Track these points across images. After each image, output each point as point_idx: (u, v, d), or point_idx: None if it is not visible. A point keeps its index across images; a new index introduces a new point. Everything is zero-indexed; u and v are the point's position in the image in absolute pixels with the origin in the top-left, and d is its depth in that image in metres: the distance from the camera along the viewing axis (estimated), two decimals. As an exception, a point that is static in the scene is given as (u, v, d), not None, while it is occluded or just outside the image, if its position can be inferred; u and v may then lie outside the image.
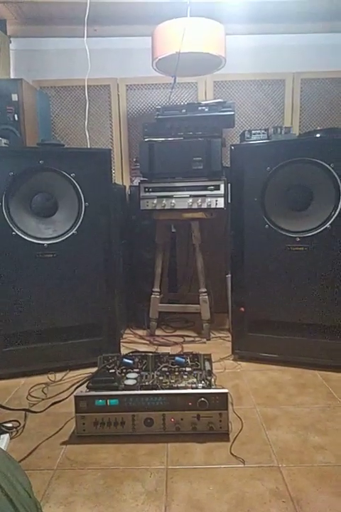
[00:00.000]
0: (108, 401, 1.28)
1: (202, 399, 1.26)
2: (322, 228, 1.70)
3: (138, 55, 2.71)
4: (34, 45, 2.77)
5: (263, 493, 1.04)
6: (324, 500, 1.00)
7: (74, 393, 1.31)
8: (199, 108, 2.18)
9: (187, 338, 2.24)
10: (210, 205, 2.09)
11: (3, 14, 2.62)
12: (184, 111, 2.18)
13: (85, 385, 1.38)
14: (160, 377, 1.43)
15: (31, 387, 1.66)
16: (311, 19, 2.69)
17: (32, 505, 0.61)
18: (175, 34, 2.02)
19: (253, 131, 2.13)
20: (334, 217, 1.68)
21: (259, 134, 2.13)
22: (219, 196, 2.09)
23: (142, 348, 2.07)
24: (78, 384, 1.44)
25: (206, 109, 2.17)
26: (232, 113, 2.18)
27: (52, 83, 2.70)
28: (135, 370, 1.50)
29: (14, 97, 2.28)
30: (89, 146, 2.55)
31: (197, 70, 2.37)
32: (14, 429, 1.35)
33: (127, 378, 1.42)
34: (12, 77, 2.73)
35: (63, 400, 1.46)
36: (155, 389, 1.32)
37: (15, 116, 2.27)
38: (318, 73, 2.67)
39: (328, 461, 1.15)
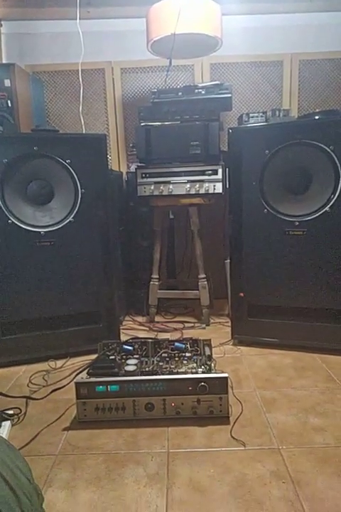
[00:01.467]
0: (108, 387, 1.28)
1: (202, 383, 1.26)
2: (321, 212, 1.69)
3: (133, 38, 2.65)
4: (26, 28, 2.70)
5: (263, 475, 1.05)
6: (324, 481, 1.02)
7: (75, 380, 1.31)
8: (196, 91, 2.14)
9: (186, 324, 2.24)
10: (208, 190, 2.07)
11: (-6, -4, 2.54)
12: (180, 94, 2.14)
13: (86, 371, 1.39)
14: (160, 363, 1.44)
15: (32, 375, 1.66)
16: (310, -3, 2.63)
17: (32, 491, 0.61)
18: (170, 15, 1.96)
19: (251, 114, 2.10)
20: (333, 200, 1.66)
21: (257, 116, 2.10)
22: (217, 181, 2.07)
23: (142, 335, 2.07)
24: (78, 371, 1.44)
25: (203, 92, 2.14)
26: (229, 95, 2.14)
27: (45, 68, 2.64)
28: (135, 356, 1.50)
29: (7, 83, 2.23)
30: (84, 132, 2.51)
31: (193, 52, 2.32)
32: (15, 416, 1.35)
33: (127, 364, 1.43)
34: (4, 61, 2.67)
35: (64, 386, 1.47)
36: (156, 374, 1.33)
37: (8, 102, 2.22)
38: (317, 54, 2.62)
39: (328, 443, 1.17)
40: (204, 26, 2.01)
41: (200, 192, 2.08)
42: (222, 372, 1.31)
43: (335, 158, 1.64)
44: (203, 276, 2.19)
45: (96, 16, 2.67)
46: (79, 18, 2.29)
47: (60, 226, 1.76)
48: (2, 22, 2.69)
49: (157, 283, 2.26)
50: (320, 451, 1.13)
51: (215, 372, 1.33)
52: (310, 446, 1.16)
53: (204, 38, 2.07)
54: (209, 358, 1.45)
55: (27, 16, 2.69)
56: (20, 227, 1.71)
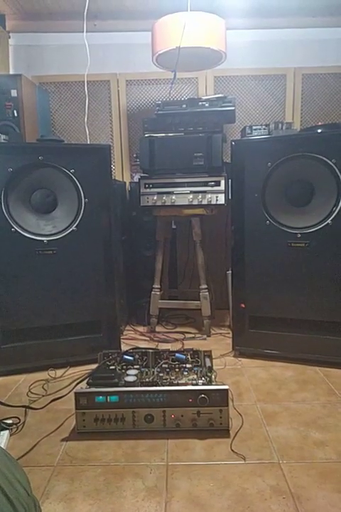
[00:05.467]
0: (108, 397, 1.27)
1: (203, 395, 1.26)
2: (323, 224, 1.69)
3: (138, 50, 2.69)
4: (33, 40, 2.75)
5: (263, 490, 1.03)
6: (324, 497, 1.00)
7: (75, 390, 1.30)
8: (200, 103, 2.17)
9: (187, 335, 2.23)
10: (211, 201, 2.08)
11: (2, 9, 2.60)
12: (184, 106, 2.17)
13: (85, 381, 1.38)
14: (161, 374, 1.43)
15: (31, 384, 1.66)
16: (313, 13, 2.67)
17: (30, 502, 0.61)
18: (176, 29, 2.00)
19: (254, 127, 2.12)
20: (335, 213, 1.67)
21: (260, 129, 2.11)
22: (220, 192, 2.08)
23: (142, 345, 2.06)
24: (78, 380, 1.44)
25: (206, 105, 2.16)
26: (233, 108, 2.16)
27: (51, 79, 2.69)
28: (135, 366, 1.49)
29: (13, 93, 2.27)
30: (89, 142, 2.54)
31: (198, 65, 2.35)
32: (14, 426, 1.35)
33: (127, 375, 1.42)
34: (11, 72, 2.72)
35: (63, 396, 1.46)
36: (156, 385, 1.32)
37: (15, 112, 2.26)
38: (320, 68, 2.65)
39: (329, 458, 1.15)
40: (209, 40, 2.04)
41: (203, 203, 2.09)
42: (223, 384, 1.30)
43: (337, 171, 1.64)
44: (205, 286, 2.19)
45: (103, 29, 2.72)
46: (86, 31, 2.33)
47: (63, 235, 1.77)
48: (10, 34, 2.74)
49: (158, 293, 2.26)
50: (321, 466, 1.12)
51: (216, 384, 1.32)
52: (310, 460, 1.14)
53: (209, 51, 2.10)
54: (210, 369, 1.44)
55: (34, 28, 2.74)
56: (24, 235, 1.72)
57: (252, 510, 0.97)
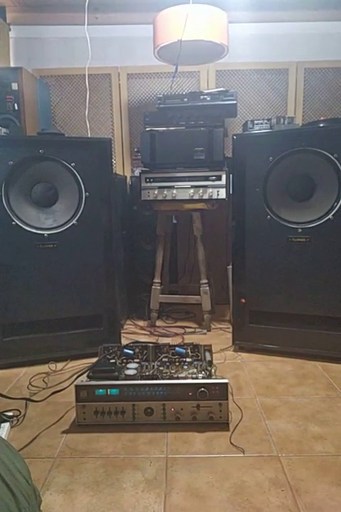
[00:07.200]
0: (108, 390, 1.28)
1: (202, 389, 1.26)
2: (324, 219, 1.69)
3: (140, 44, 2.67)
4: (34, 32, 2.73)
5: (262, 482, 1.04)
6: (323, 490, 1.01)
7: (75, 382, 1.31)
8: (201, 97, 2.16)
9: (187, 329, 2.24)
10: (212, 195, 2.08)
11: (3, 1, 2.58)
12: (186, 100, 2.16)
13: (86, 374, 1.39)
14: (161, 368, 1.44)
15: (32, 377, 1.67)
16: (315, 7, 2.64)
17: (30, 492, 0.61)
18: (177, 21, 1.98)
19: (255, 121, 2.10)
20: (336, 208, 1.66)
21: (262, 123, 2.10)
22: (221, 187, 2.07)
23: (143, 339, 2.07)
24: (79, 373, 1.44)
25: (208, 98, 2.15)
26: (234, 102, 2.15)
27: (52, 72, 2.67)
28: (135, 360, 1.50)
29: (14, 86, 2.26)
30: (89, 136, 2.53)
31: (200, 59, 2.33)
32: (15, 418, 1.35)
33: (128, 368, 1.42)
34: (12, 65, 2.70)
35: (64, 389, 1.47)
36: (156, 379, 1.32)
37: (15, 105, 2.25)
38: (322, 63, 2.63)
39: (328, 451, 1.16)
40: (211, 33, 2.02)
41: (204, 197, 2.09)
42: (223, 378, 1.30)
43: (339, 166, 1.64)
44: (205, 281, 2.19)
45: (104, 22, 2.70)
46: (87, 24, 2.31)
47: (64, 229, 1.77)
48: (11, 26, 2.72)
49: (159, 287, 2.26)
50: (320, 459, 1.12)
51: (215, 378, 1.32)
52: (309, 454, 1.15)
53: (211, 45, 2.08)
54: (210, 363, 1.44)
55: (35, 20, 2.72)
56: (24, 229, 1.72)
57: (251, 502, 0.98)
